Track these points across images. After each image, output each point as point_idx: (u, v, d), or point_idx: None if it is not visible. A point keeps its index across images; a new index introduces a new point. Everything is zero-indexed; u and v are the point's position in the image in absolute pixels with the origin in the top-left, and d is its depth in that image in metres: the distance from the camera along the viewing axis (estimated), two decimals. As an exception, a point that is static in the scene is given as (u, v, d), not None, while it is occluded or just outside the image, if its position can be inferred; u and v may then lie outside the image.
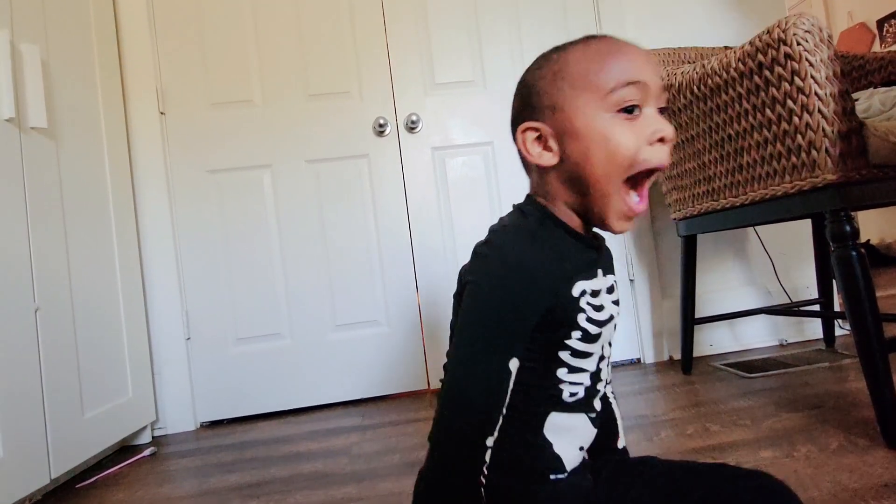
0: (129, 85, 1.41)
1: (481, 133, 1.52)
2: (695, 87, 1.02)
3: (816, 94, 0.81)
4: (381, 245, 1.48)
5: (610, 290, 0.48)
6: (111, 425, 1.17)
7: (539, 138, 0.45)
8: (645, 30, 1.56)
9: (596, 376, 0.47)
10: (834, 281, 1.43)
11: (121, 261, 1.28)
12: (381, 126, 1.47)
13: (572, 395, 0.46)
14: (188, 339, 1.42)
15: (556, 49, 0.46)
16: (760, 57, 0.86)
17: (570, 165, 0.43)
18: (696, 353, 1.39)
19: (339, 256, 1.47)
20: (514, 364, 0.42)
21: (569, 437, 0.46)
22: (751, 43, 0.88)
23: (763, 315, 1.53)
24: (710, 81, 0.98)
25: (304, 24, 1.48)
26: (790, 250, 1.59)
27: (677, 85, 1.07)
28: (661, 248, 1.57)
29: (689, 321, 1.33)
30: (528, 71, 0.47)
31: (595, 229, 0.48)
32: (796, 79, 0.82)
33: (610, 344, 0.49)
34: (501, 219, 0.47)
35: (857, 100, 0.97)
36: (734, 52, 0.92)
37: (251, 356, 1.44)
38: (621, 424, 0.56)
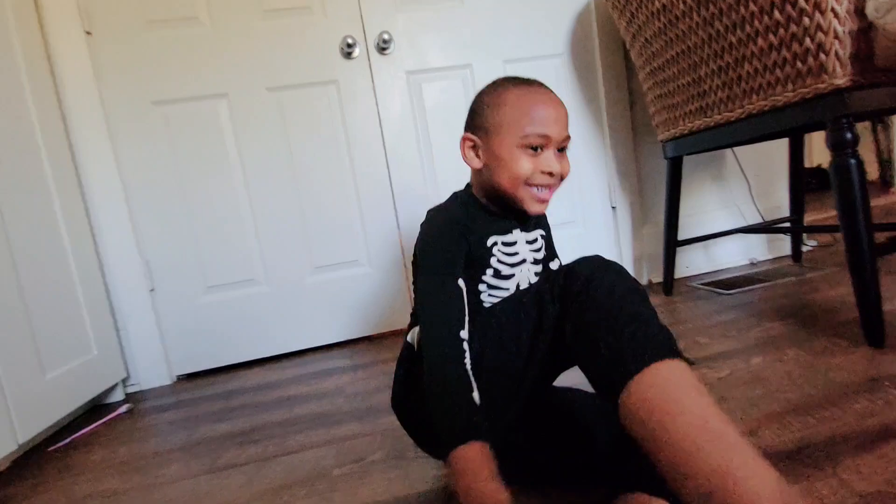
0: (40, -3, 1.18)
1: (460, 54, 1.40)
2: (695, -9, 0.95)
3: (830, -11, 0.76)
4: (356, 181, 1.38)
5: (531, 241, 0.66)
6: (77, 385, 1.08)
7: (474, 147, 0.64)
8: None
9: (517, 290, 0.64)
10: (805, 199, 1.47)
11: (62, 208, 1.13)
12: (349, 47, 1.32)
13: (491, 299, 0.63)
14: (152, 290, 1.31)
15: (505, 83, 0.63)
16: (773, -50, 0.79)
17: (489, 172, 0.63)
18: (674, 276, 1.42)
19: (312, 193, 1.37)
20: (461, 283, 0.58)
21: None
22: (762, -65, 0.81)
23: (735, 236, 1.58)
24: (713, -17, 0.91)
25: (248, -78, 1.27)
26: (764, 171, 1.62)
27: (675, -11, 0.99)
28: (642, 175, 1.56)
29: (672, 245, 1.34)
30: (482, 92, 0.64)
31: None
32: (810, -27, 0.77)
33: (537, 274, 0.66)
34: (439, 204, 0.67)
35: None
36: (742, -53, 0.85)
37: (225, 304, 1.35)
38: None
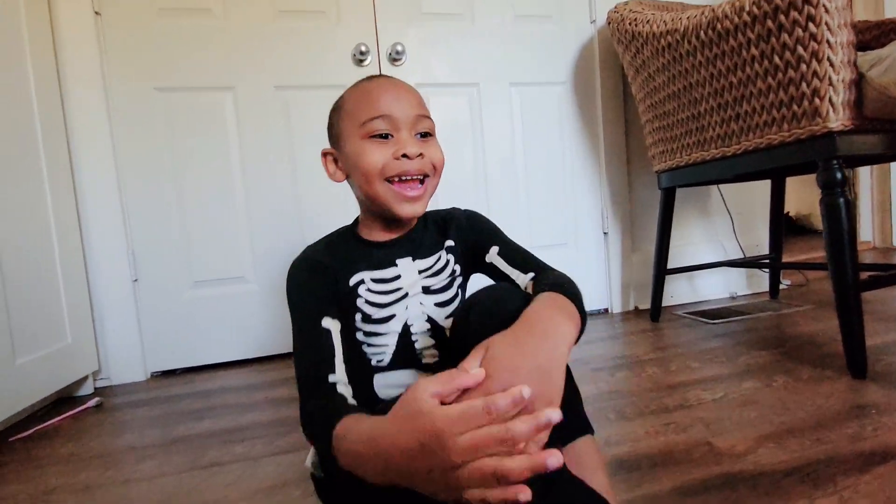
0: (52, -27, 1.16)
1: (467, 73, 1.44)
2: (701, 32, 1.01)
3: (828, 41, 0.82)
4: (357, 186, 1.38)
5: (427, 268, 0.59)
6: (47, 373, 1.02)
7: (335, 160, 0.60)
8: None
9: (404, 344, 0.56)
10: (782, 239, 1.55)
11: (52, 189, 1.09)
12: (362, 54, 1.34)
13: (379, 361, 0.56)
14: (135, 280, 1.26)
15: (349, 87, 0.59)
16: (777, 0, 0.86)
17: (353, 182, 0.58)
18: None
19: (311, 195, 1.35)
20: (327, 322, 0.52)
21: (400, 391, 0.51)
22: (767, -14, 0.87)
23: (716, 269, 1.64)
24: (719, 26, 0.97)
25: (273, -75, 1.29)
26: (745, 211, 1.70)
27: (682, 30, 1.05)
28: (635, 203, 1.61)
29: (662, 272, 1.38)
30: (335, 102, 0.60)
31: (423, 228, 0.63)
32: (811, 24, 0.83)
33: (438, 305, 0.58)
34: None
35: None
36: (748, -4, 0.91)
37: (211, 301, 1.31)
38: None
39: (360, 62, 1.35)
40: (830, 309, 1.37)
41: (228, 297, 1.32)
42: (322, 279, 0.55)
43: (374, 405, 0.53)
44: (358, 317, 0.55)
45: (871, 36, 1.23)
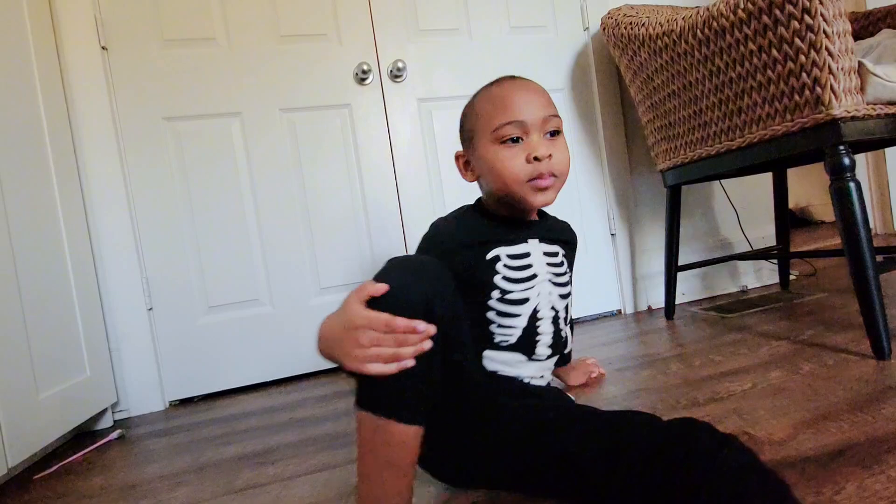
0: (58, 10, 1.18)
1: (467, 85, 1.46)
2: (698, 31, 1.04)
3: (824, 31, 0.85)
4: (366, 202, 1.39)
5: (551, 254, 0.64)
6: (68, 408, 1.01)
7: (467, 162, 0.65)
8: (622, -13, 1.57)
9: (531, 329, 0.60)
10: (788, 229, 1.56)
11: (66, 222, 1.09)
12: (364, 73, 1.36)
13: (504, 341, 0.60)
14: (150, 309, 1.25)
15: (479, 90, 0.64)
16: (771, -4, 0.88)
17: (484, 183, 0.63)
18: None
19: (321, 214, 1.36)
20: None
21: (507, 370, 0.61)
22: (760, -17, 0.90)
23: (725, 264, 1.65)
24: (714, 24, 1.00)
25: (271, -45, 1.33)
26: (748, 205, 1.72)
27: (678, 30, 1.08)
28: (639, 203, 1.63)
29: (673, 269, 1.39)
30: (465, 105, 0.66)
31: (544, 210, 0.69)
32: (806, 16, 0.85)
33: (563, 297, 0.65)
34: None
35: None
36: (742, -6, 0.94)
37: (226, 325, 1.30)
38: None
39: (362, 81, 1.37)
40: (844, 296, 1.38)
41: (243, 321, 1.31)
42: (443, 248, 0.59)
43: (482, 372, 0.59)
44: (495, 294, 0.58)
45: (858, 26, 1.26)
